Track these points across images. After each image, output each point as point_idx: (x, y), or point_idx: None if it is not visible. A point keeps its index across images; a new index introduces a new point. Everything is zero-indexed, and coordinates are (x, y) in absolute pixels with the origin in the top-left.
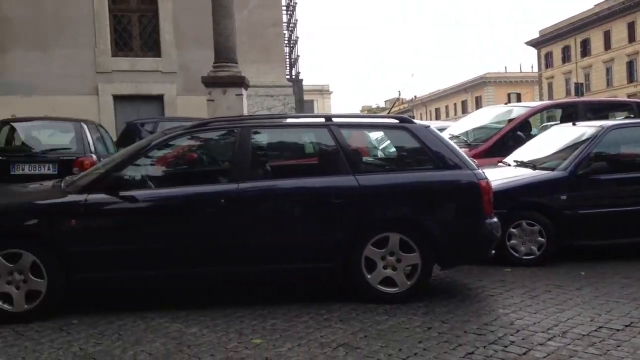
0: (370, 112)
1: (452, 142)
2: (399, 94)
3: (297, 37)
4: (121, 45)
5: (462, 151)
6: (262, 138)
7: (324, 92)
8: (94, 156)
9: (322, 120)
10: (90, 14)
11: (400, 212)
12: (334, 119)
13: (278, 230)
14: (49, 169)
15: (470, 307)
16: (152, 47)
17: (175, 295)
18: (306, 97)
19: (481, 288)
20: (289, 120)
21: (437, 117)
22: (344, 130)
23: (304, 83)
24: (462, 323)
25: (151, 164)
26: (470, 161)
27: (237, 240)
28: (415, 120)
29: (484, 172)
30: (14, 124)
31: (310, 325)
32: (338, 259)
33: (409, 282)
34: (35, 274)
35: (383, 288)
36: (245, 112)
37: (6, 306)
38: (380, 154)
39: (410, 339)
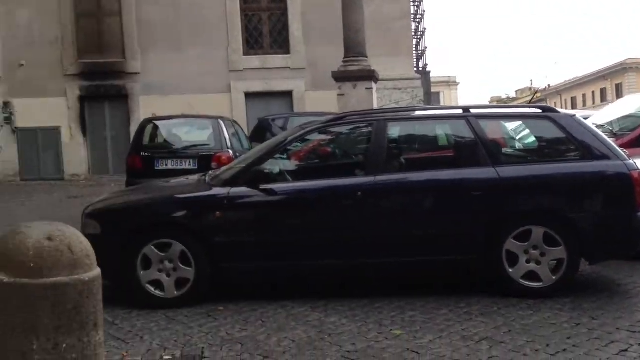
0: (500, 102)
1: (600, 132)
2: (531, 83)
3: (425, 29)
4: (252, 43)
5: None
6: (399, 131)
7: (450, 83)
8: (231, 151)
9: (460, 111)
10: (223, 15)
11: (544, 204)
12: (473, 110)
13: (415, 223)
14: (189, 164)
15: (621, 303)
16: (281, 44)
17: (313, 285)
18: (433, 89)
19: (632, 284)
20: (426, 112)
21: (573, 107)
22: (482, 121)
23: (430, 75)
24: (613, 320)
25: (289, 158)
26: (621, 151)
27: (374, 232)
28: (559, 110)
29: (635, 163)
30: (157, 122)
31: (450, 318)
32: (478, 252)
33: (554, 277)
34: (184, 262)
35: (526, 282)
36: (375, 106)
37: (158, 292)
38: (518, 144)
39: (557, 335)
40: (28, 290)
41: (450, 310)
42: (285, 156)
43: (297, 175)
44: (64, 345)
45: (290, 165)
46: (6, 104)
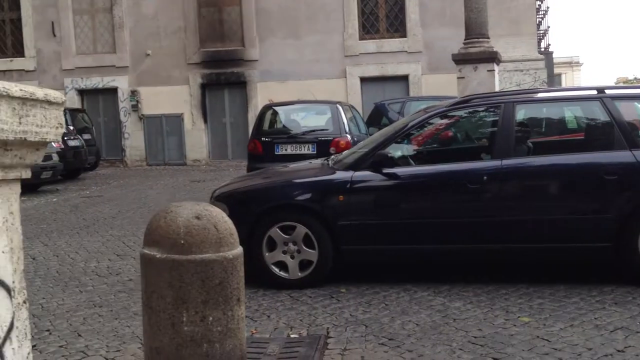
0: (627, 83)
1: None
2: None
3: (548, 7)
4: (368, 28)
5: None
6: (527, 113)
7: (573, 64)
8: (349, 136)
9: (594, 92)
10: (340, 0)
11: None
12: (607, 91)
13: (544, 209)
14: (308, 149)
15: None
16: (397, 28)
17: (436, 270)
18: (555, 71)
19: None
20: (556, 93)
21: None
22: (617, 102)
23: (553, 55)
24: None
25: (413, 142)
26: None
27: (500, 217)
28: None
29: None
30: (276, 108)
31: (582, 306)
32: (611, 239)
33: None
34: (307, 245)
35: None
36: (497, 89)
37: (282, 273)
38: None
39: None
40: (179, 265)
41: (581, 298)
42: (408, 140)
43: (420, 159)
44: (211, 318)
45: (414, 149)
46: (133, 93)
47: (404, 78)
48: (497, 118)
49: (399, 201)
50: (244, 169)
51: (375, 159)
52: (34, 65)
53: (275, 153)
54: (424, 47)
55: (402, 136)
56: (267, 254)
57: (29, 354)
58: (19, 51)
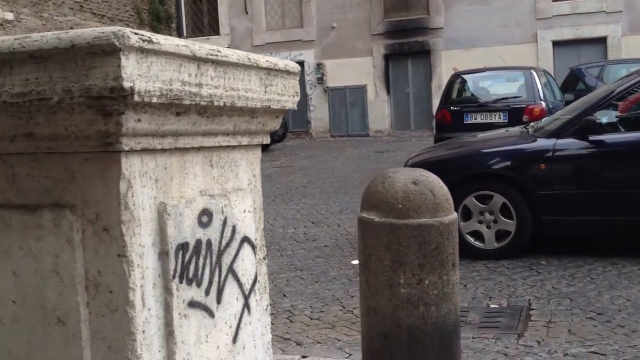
0: None
1: None
2: None
3: None
4: None
5: None
6: None
7: None
8: (543, 103)
9: None
10: None
11: None
12: None
13: None
14: (499, 117)
15: None
16: None
17: None
18: None
19: None
20: None
21: None
22: None
23: None
24: None
25: (621, 108)
26: None
27: None
28: None
29: None
30: (465, 76)
31: None
32: None
33: None
34: (504, 214)
35: None
36: None
37: (477, 243)
38: None
39: None
40: (397, 229)
41: None
42: (616, 106)
43: (629, 125)
44: (427, 282)
45: (623, 115)
46: (319, 65)
47: (602, 40)
48: None
49: (607, 170)
50: (427, 139)
51: (581, 126)
52: (228, 43)
53: (465, 122)
54: (625, 6)
55: (612, 101)
56: (462, 224)
57: (267, 306)
58: (214, 29)
